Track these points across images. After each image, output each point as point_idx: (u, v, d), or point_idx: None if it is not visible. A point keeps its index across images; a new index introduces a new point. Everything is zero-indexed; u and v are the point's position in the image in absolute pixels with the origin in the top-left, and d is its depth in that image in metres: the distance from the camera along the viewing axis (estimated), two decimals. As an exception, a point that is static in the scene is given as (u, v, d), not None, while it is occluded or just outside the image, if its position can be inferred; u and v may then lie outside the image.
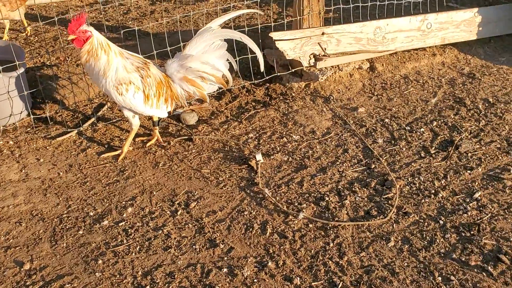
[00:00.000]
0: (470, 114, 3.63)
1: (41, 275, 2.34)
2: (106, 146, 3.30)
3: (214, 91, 3.33)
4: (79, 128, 3.42)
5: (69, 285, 2.28)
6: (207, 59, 2.92)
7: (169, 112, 3.15)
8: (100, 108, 3.67)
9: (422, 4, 4.77)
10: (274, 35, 3.61)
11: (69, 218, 2.69)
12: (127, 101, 2.92)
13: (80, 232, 2.59)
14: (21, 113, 3.44)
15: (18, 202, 2.81)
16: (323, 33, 3.79)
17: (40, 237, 2.56)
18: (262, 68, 3.05)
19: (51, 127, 3.45)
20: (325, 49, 3.80)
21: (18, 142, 3.31)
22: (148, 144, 3.29)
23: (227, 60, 3.01)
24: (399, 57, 4.35)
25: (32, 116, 3.40)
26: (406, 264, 2.38)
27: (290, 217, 2.68)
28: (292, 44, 3.71)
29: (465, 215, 2.68)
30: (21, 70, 3.27)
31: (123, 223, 2.65)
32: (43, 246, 2.51)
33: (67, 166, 3.10)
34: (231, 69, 3.08)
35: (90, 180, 2.98)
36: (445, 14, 4.26)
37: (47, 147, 3.28)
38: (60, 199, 2.83)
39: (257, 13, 3.09)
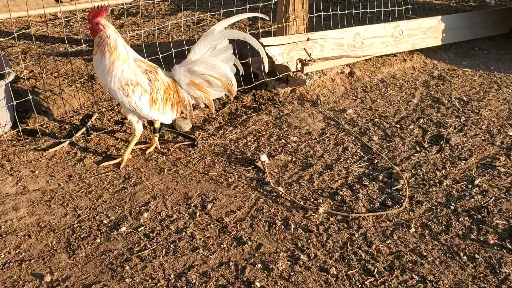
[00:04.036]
0: (450, 112, 3.84)
1: (65, 286, 2.19)
2: (103, 155, 3.18)
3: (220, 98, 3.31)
4: (71, 139, 3.27)
5: (99, 293, 2.16)
6: (212, 62, 2.91)
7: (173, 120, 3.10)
8: (89, 118, 3.53)
9: (384, 15, 5.02)
10: (264, 40, 3.67)
11: (82, 227, 2.55)
12: (132, 103, 2.84)
13: (98, 240, 2.46)
14: (5, 125, 3.24)
15: (21, 215, 2.63)
16: (308, 39, 3.90)
17: (54, 248, 2.41)
18: (266, 68, 3.07)
19: (39, 139, 3.27)
20: (310, 54, 3.90)
21: (7, 155, 3.11)
22: (147, 152, 3.20)
23: (234, 64, 3.01)
24: (374, 63, 4.54)
25: (20, 128, 3.21)
26: (431, 247, 2.46)
27: (310, 212, 2.70)
28: (280, 50, 3.78)
29: (472, 199, 2.82)
30: (11, 77, 3.09)
31: (142, 228, 2.55)
32: (60, 257, 2.36)
33: (67, 177, 2.95)
34: (236, 74, 3.07)
35: (95, 189, 2.85)
36: (414, 21, 4.52)
37: (40, 159, 3.10)
38: (67, 209, 2.68)
39: (263, 18, 3.13)
